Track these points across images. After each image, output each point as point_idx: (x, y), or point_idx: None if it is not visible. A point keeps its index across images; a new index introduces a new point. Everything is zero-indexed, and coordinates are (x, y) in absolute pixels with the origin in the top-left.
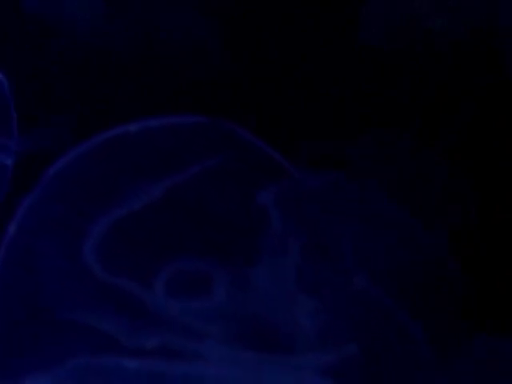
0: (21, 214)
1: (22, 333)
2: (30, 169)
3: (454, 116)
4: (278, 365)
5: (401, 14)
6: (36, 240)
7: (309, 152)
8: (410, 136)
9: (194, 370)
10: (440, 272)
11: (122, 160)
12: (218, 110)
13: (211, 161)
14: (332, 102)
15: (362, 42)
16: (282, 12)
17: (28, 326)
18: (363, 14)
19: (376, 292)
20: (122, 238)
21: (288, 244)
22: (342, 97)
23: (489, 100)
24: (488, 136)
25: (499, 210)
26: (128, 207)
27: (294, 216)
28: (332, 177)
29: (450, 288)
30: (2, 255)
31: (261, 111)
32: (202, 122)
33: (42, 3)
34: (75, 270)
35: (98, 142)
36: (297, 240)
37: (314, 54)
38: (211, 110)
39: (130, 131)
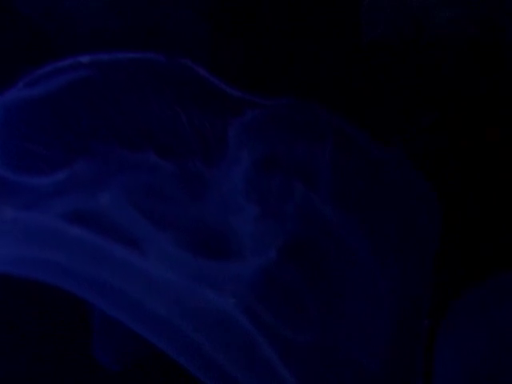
0: None
1: None
2: None
3: (459, 109)
4: (214, 272)
5: (407, 5)
6: None
7: None
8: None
9: (133, 260)
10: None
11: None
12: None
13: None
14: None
15: (366, 35)
16: (285, 4)
17: None
18: (367, 5)
19: (323, 207)
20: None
21: (241, 156)
22: (347, 89)
23: (495, 93)
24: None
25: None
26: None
27: (251, 133)
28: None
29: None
30: None
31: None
32: (160, 59)
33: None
34: None
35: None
36: (250, 154)
37: (317, 47)
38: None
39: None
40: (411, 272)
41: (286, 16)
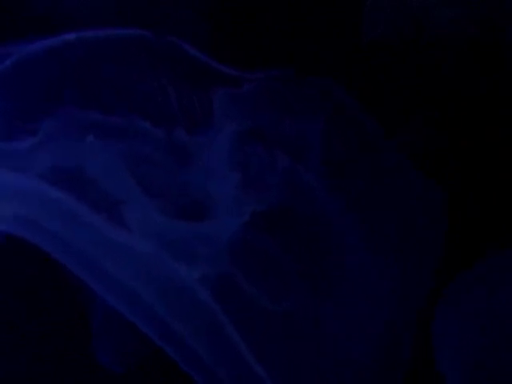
0: None
1: None
2: None
3: (459, 109)
4: (192, 237)
5: (408, 6)
6: None
7: None
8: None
9: (107, 224)
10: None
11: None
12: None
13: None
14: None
15: (366, 35)
16: (285, 4)
17: None
18: (369, 5)
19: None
20: None
21: (227, 126)
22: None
23: (495, 93)
24: (494, 128)
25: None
26: None
27: (238, 105)
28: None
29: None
30: None
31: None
32: (148, 36)
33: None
34: None
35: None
36: (236, 124)
37: (317, 45)
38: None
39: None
40: (411, 272)
41: (286, 16)
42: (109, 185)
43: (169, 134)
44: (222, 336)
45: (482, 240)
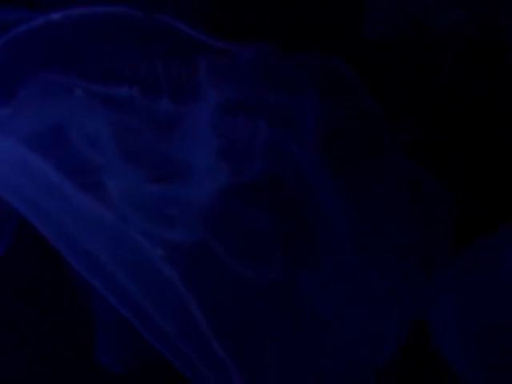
0: None
1: None
2: None
3: (459, 109)
4: (169, 202)
5: (408, 6)
6: None
7: None
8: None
9: (86, 204)
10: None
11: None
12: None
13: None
14: None
15: (366, 35)
16: (285, 4)
17: None
18: (370, 6)
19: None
20: None
21: (212, 96)
22: None
23: (495, 93)
24: (494, 128)
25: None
26: None
27: (224, 76)
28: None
29: None
30: None
31: None
32: (135, 12)
33: None
34: None
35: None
36: (221, 94)
37: (317, 47)
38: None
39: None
40: (411, 272)
41: (286, 16)
42: (90, 150)
43: (153, 103)
44: (184, 311)
45: (482, 239)
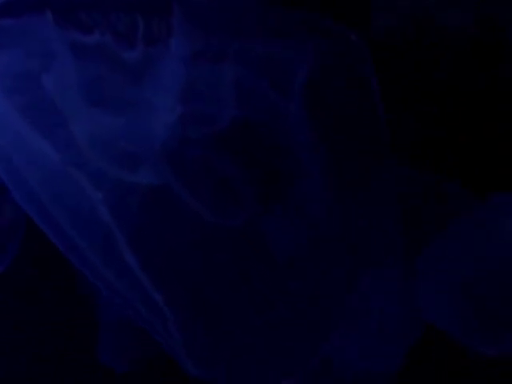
0: None
1: None
2: None
3: (458, 104)
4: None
5: (408, 6)
6: None
7: None
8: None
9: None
10: None
11: None
12: None
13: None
14: None
15: (371, 35)
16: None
17: None
18: (372, 6)
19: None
20: None
21: (184, 44)
22: None
23: (494, 89)
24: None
25: None
26: None
27: (195, 24)
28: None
29: None
30: None
31: None
32: None
33: None
34: None
35: None
36: (193, 42)
37: None
38: None
39: None
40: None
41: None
42: (56, 93)
43: (124, 51)
44: (117, 254)
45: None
